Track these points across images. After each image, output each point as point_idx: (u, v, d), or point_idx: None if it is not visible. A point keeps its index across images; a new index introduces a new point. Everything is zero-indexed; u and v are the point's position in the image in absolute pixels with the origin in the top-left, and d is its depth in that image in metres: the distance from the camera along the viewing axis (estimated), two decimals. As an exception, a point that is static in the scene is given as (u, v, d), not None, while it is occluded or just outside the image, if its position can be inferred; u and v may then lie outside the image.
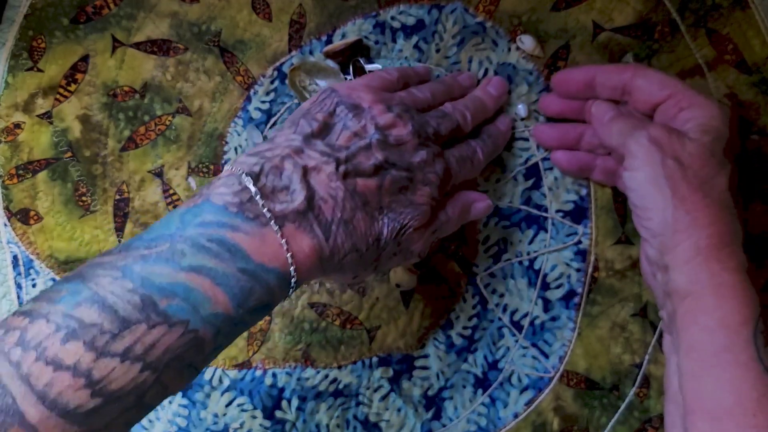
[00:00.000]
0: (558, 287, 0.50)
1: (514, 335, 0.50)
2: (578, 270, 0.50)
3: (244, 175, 0.36)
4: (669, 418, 0.43)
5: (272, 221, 0.36)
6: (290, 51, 0.51)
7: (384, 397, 0.50)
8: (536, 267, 0.50)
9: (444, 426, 0.50)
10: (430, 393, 0.50)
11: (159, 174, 0.51)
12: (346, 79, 0.50)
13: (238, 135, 0.50)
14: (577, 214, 0.50)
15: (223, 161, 0.50)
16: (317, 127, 0.40)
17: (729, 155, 0.42)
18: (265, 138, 0.51)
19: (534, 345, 0.50)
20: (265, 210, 0.36)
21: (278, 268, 0.36)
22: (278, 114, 0.51)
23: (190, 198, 0.37)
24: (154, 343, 0.32)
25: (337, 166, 0.38)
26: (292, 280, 0.36)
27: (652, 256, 0.43)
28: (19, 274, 0.50)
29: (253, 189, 0.36)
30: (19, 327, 0.31)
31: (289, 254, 0.36)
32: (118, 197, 0.51)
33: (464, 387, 0.50)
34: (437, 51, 0.50)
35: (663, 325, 0.45)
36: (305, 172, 0.37)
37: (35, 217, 0.51)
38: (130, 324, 0.32)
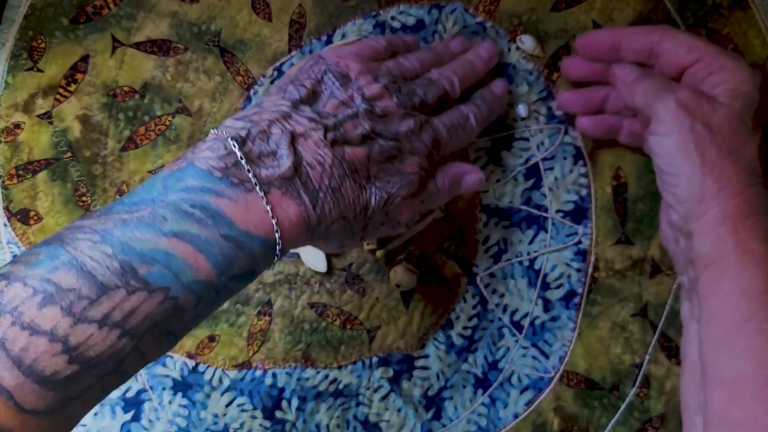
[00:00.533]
0: (558, 287, 0.50)
1: (514, 335, 0.50)
2: (578, 270, 0.50)
3: (230, 139, 0.36)
4: (685, 387, 0.42)
5: (257, 187, 0.35)
6: (290, 51, 0.51)
7: (384, 398, 0.50)
8: (536, 267, 0.50)
9: (444, 426, 0.50)
10: (430, 393, 0.50)
11: (159, 174, 0.51)
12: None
13: (238, 135, 0.50)
14: (577, 214, 0.50)
15: (223, 161, 0.50)
16: (305, 94, 0.40)
17: (758, 122, 0.41)
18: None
19: (534, 345, 0.50)
20: (250, 175, 0.35)
21: (263, 236, 0.35)
22: (278, 114, 0.51)
23: (174, 161, 0.36)
24: (133, 310, 0.31)
25: (325, 132, 0.38)
26: (277, 248, 0.36)
27: (675, 222, 0.42)
28: (19, 274, 0.50)
29: (238, 153, 0.35)
30: None
31: (274, 221, 0.35)
32: (118, 197, 0.51)
33: (464, 387, 0.50)
34: (437, 51, 0.50)
35: (682, 292, 0.44)
36: (293, 137, 0.37)
37: (35, 218, 0.51)
38: (108, 290, 0.31)
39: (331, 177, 0.37)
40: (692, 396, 0.41)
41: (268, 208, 0.35)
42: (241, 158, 0.35)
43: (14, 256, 0.50)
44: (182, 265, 0.33)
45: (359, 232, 0.40)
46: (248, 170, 0.35)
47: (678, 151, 0.40)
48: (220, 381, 0.50)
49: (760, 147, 0.41)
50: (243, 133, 0.36)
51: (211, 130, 0.37)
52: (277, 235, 0.35)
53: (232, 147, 0.36)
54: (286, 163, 0.36)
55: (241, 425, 0.50)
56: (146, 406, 0.50)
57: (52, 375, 0.30)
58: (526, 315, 0.50)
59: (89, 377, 0.31)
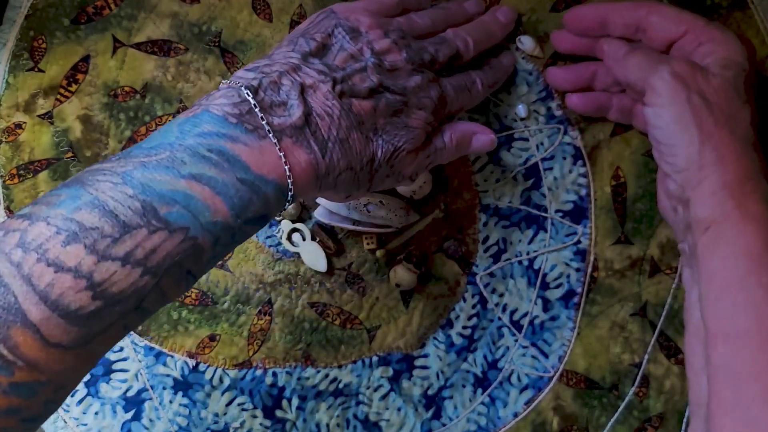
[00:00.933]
0: (557, 287, 0.50)
1: (513, 335, 0.50)
2: (578, 270, 0.50)
3: (243, 88, 0.37)
4: (689, 349, 0.43)
5: (271, 134, 0.36)
6: (290, 51, 0.51)
7: (384, 397, 0.50)
8: (536, 267, 0.50)
9: (444, 425, 0.50)
10: (430, 392, 0.50)
11: (159, 174, 0.51)
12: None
13: (239, 135, 0.51)
14: (577, 214, 0.50)
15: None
16: (315, 47, 0.40)
17: (749, 91, 0.42)
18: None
19: (534, 344, 0.50)
20: (264, 123, 0.36)
21: (276, 180, 0.36)
22: (278, 114, 0.51)
23: (188, 109, 0.37)
24: (155, 249, 0.32)
25: (333, 85, 0.39)
26: (289, 194, 0.37)
27: (673, 191, 0.42)
28: (20, 273, 0.51)
29: (252, 102, 0.36)
30: (18, 229, 0.31)
31: (287, 167, 0.36)
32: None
33: (464, 386, 0.50)
34: (437, 51, 0.50)
35: (683, 259, 0.45)
36: (302, 89, 0.38)
37: (36, 217, 0.51)
38: (130, 229, 0.32)
39: (339, 128, 0.38)
40: (697, 357, 0.42)
41: (281, 154, 0.36)
42: (255, 106, 0.36)
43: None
44: (201, 206, 0.34)
45: (365, 183, 0.41)
46: (261, 118, 0.36)
47: (675, 122, 0.41)
48: (221, 380, 0.50)
49: (753, 115, 0.42)
50: (255, 83, 0.37)
51: (222, 81, 0.38)
52: (289, 181, 0.36)
53: (246, 95, 0.36)
54: (296, 112, 0.37)
55: (242, 424, 0.50)
56: (147, 405, 0.50)
57: (77, 310, 0.31)
58: (525, 314, 0.50)
59: (112, 314, 0.32)
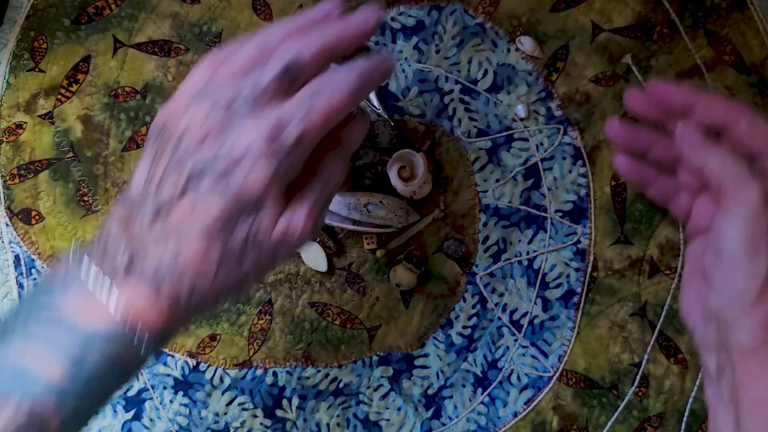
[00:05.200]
0: (557, 287, 0.50)
1: (513, 334, 0.50)
2: (577, 270, 0.50)
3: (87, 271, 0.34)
4: None
5: (102, 282, 0.33)
6: (291, 52, 0.51)
7: (384, 396, 0.50)
8: (535, 266, 0.50)
9: (444, 425, 0.50)
10: (430, 392, 0.50)
11: (160, 174, 0.51)
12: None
13: (239, 135, 0.51)
14: (576, 214, 0.50)
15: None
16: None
17: None
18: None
19: (533, 344, 0.50)
20: (95, 275, 0.33)
21: (111, 329, 0.33)
22: (279, 114, 0.51)
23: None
24: None
25: (150, 211, 0.34)
26: (145, 336, 0.33)
27: (713, 305, 0.39)
28: (21, 273, 0.51)
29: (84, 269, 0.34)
30: None
31: (120, 313, 0.33)
32: (119, 197, 0.51)
33: (464, 386, 0.50)
34: (437, 52, 0.50)
35: (706, 376, 0.41)
36: (126, 225, 0.35)
37: (37, 217, 0.51)
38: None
39: (164, 252, 0.35)
40: None
41: (113, 298, 0.34)
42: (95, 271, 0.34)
43: (16, 256, 0.51)
44: (31, 370, 0.32)
45: (236, 283, 0.36)
46: (92, 272, 0.34)
47: (748, 244, 0.38)
48: (221, 380, 0.50)
49: None
50: (94, 245, 0.35)
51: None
52: (128, 326, 0.34)
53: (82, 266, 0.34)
54: (123, 256, 0.34)
55: (242, 424, 0.50)
56: (147, 404, 0.50)
57: None
58: (525, 314, 0.50)
59: None
